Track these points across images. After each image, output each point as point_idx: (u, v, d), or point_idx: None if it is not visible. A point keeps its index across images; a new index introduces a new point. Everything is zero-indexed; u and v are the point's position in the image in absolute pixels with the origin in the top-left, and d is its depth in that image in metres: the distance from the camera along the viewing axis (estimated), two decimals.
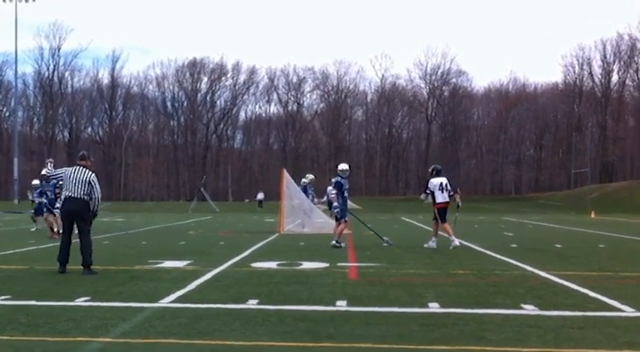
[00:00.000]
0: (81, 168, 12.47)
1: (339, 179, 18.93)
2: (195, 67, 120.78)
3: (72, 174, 12.37)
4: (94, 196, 12.37)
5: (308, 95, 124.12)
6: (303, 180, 27.77)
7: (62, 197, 12.52)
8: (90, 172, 12.49)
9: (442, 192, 18.36)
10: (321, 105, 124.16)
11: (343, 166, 19.21)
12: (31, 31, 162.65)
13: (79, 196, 12.30)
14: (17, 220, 38.22)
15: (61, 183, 13.95)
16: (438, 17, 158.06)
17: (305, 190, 26.66)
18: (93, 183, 12.38)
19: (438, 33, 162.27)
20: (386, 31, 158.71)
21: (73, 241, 12.43)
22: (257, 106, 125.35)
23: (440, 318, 7.91)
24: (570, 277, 11.63)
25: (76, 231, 12.51)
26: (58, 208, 22.31)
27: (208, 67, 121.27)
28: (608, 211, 59.02)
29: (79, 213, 12.37)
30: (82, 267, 12.04)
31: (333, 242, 18.30)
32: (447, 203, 18.52)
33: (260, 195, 76.22)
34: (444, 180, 18.51)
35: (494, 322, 7.67)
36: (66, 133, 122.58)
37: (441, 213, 18.43)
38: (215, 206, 64.10)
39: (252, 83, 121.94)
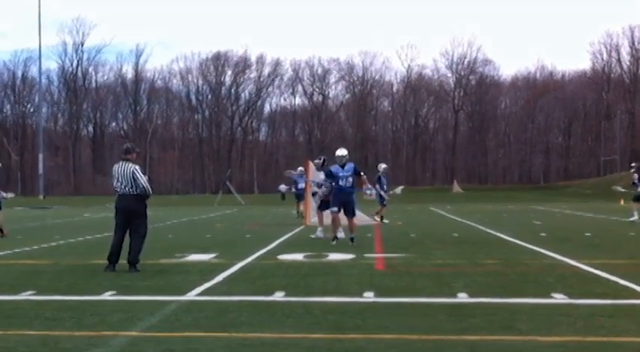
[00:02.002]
0: (124, 162, 12.08)
1: (330, 167, 17.11)
2: (219, 60, 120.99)
3: (118, 171, 12.03)
4: (140, 187, 11.93)
5: (333, 86, 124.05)
6: (382, 167, 26.69)
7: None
8: (131, 165, 12.05)
9: None
10: (347, 96, 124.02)
11: (337, 152, 16.78)
12: (55, 27, 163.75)
13: (127, 192, 11.94)
14: (42, 215, 38.54)
15: None
16: (464, 6, 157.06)
17: (379, 180, 25.90)
18: (136, 176, 11.95)
19: (464, 22, 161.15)
20: (411, 21, 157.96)
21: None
22: (282, 98, 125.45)
23: (469, 308, 7.83)
24: (600, 265, 11.48)
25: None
26: None
27: (232, 60, 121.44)
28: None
29: (131, 210, 11.99)
30: (107, 262, 11.84)
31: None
32: None
33: (281, 187, 76.01)
34: None
35: (523, 311, 7.58)
36: (90, 128, 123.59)
37: None
38: (241, 199, 64.16)
39: (276, 75, 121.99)
